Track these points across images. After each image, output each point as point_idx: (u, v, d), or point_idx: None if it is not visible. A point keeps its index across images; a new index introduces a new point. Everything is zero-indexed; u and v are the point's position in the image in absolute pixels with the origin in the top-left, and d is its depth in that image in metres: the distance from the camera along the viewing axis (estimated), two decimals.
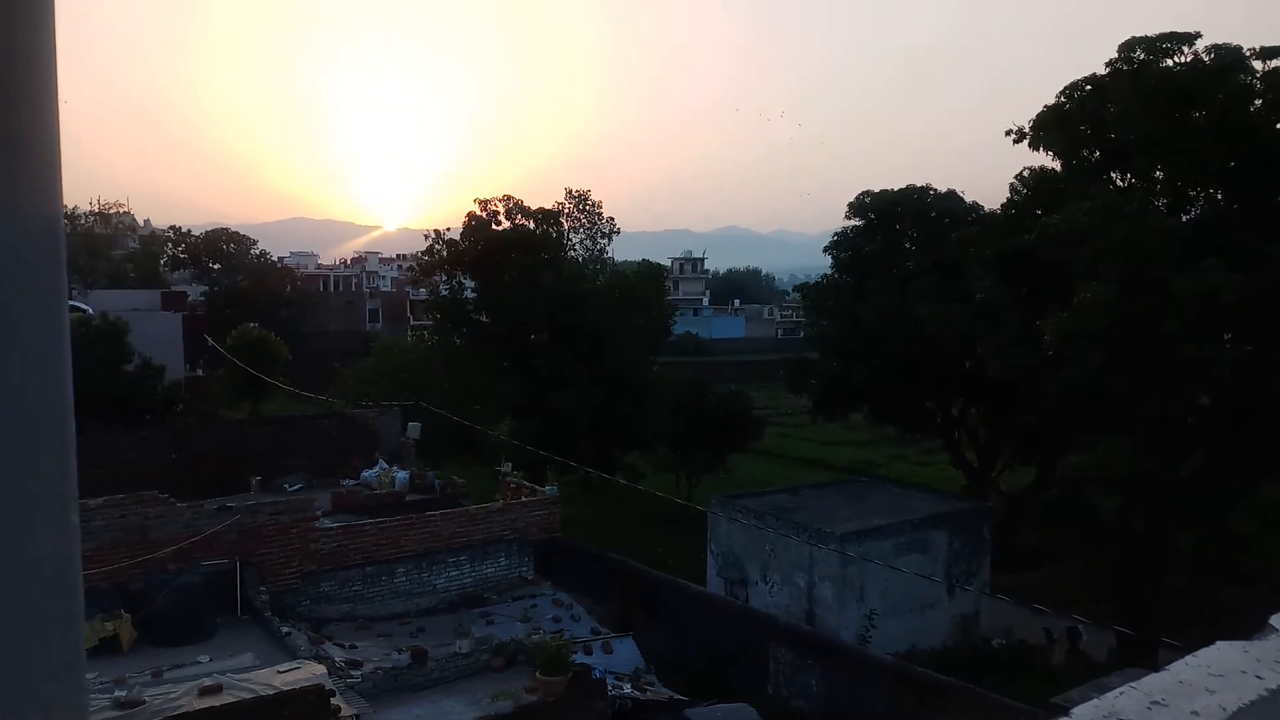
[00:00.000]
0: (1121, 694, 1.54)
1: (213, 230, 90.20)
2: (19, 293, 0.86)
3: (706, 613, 21.64)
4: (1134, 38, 23.67)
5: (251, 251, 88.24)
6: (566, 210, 41.11)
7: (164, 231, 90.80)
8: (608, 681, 15.09)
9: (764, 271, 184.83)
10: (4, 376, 0.85)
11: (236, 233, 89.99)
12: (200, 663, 14.34)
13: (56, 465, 0.91)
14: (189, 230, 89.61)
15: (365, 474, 23.04)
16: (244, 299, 73.02)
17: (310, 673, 13.06)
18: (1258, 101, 22.28)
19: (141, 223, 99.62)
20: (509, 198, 38.56)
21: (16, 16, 0.85)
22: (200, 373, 51.64)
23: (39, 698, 0.88)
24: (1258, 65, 22.33)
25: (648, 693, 16.48)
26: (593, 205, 41.85)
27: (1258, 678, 1.59)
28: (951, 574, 23.95)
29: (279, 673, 13.07)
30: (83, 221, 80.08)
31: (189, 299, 66.18)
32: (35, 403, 0.88)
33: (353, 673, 14.36)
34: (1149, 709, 1.49)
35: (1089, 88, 24.19)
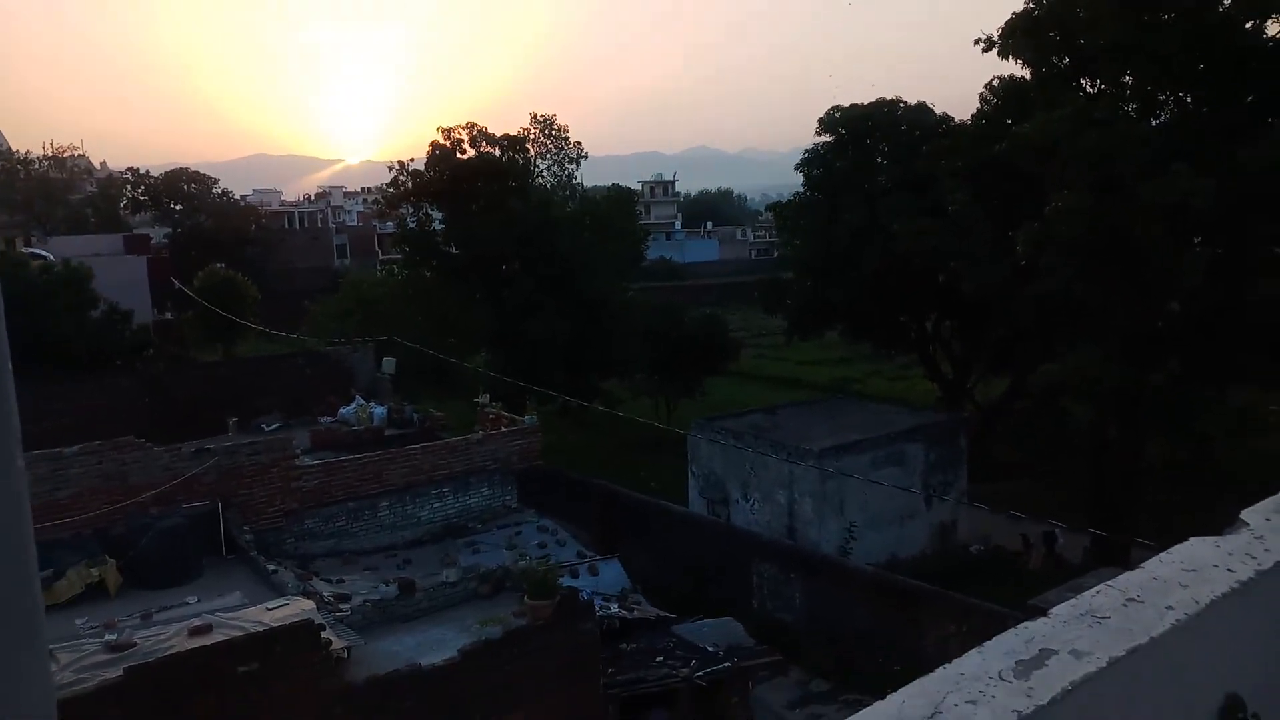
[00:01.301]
0: (1098, 593, 1.58)
1: (172, 170, 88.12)
2: None
3: (690, 532, 21.95)
4: None
5: (213, 190, 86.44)
6: (532, 136, 40.45)
7: (122, 174, 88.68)
8: (595, 603, 15.31)
9: (735, 192, 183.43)
10: None
11: (197, 172, 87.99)
12: (188, 603, 14.39)
13: None
14: (147, 171, 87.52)
15: (343, 411, 22.94)
16: (209, 239, 71.82)
17: (299, 608, 13.13)
18: (1227, 1, 22.06)
19: (98, 165, 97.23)
20: (473, 125, 37.87)
21: None
22: (169, 316, 51.01)
23: None
24: None
25: (635, 612, 16.77)
26: (559, 130, 41.20)
27: (1229, 570, 1.64)
28: (928, 485, 24.35)
29: (268, 610, 13.14)
30: (36, 166, 78.05)
31: (152, 241, 65.05)
32: None
33: (342, 606, 14.47)
34: (1125, 605, 1.53)
35: None
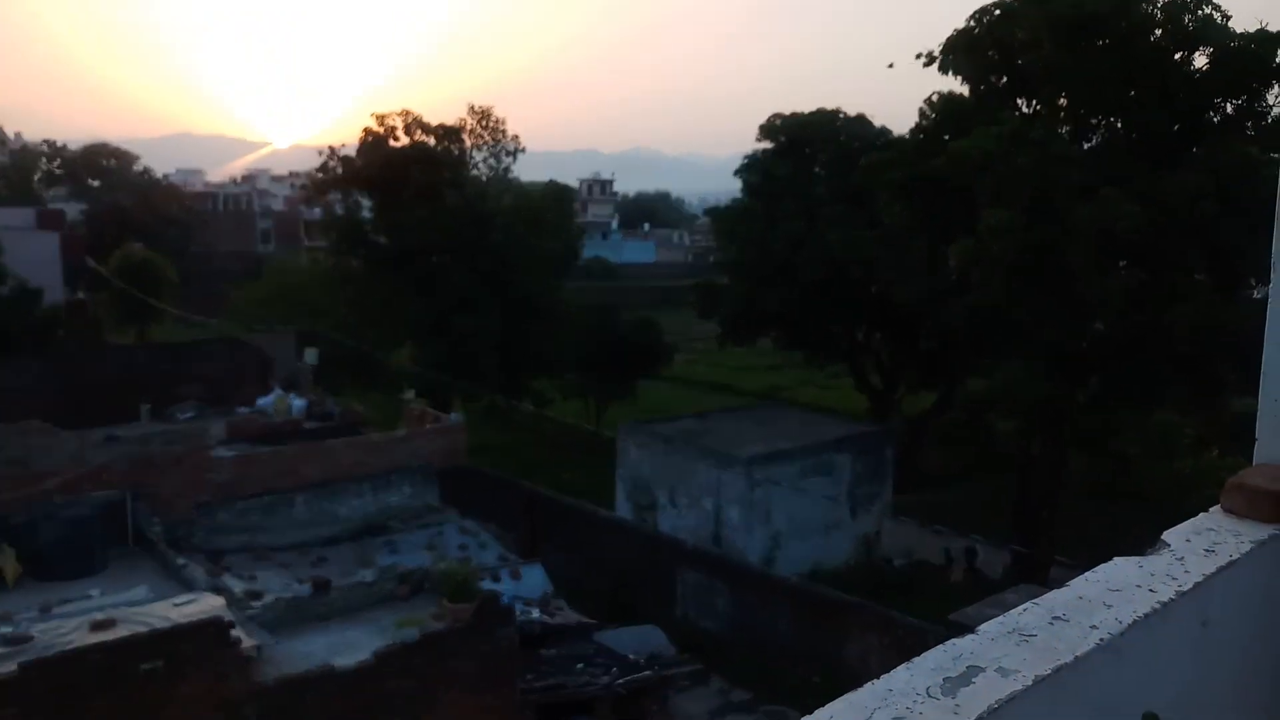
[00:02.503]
0: (1025, 611, 1.61)
1: (91, 145, 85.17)
2: None
3: (615, 537, 21.75)
4: None
5: (134, 168, 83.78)
6: (469, 127, 39.82)
7: (37, 146, 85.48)
8: (516, 607, 15.01)
9: (674, 195, 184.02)
10: None
11: (118, 148, 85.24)
12: (91, 597, 13.83)
13: None
14: (65, 145, 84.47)
15: (261, 401, 22.29)
16: (126, 218, 69.37)
17: (208, 605, 12.67)
18: (1157, 31, 22.63)
19: (12, 136, 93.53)
20: (408, 113, 37.14)
21: None
22: (82, 296, 49.14)
23: None
24: None
25: (557, 617, 16.50)
26: (496, 122, 40.63)
27: (1151, 591, 1.70)
28: (854, 495, 24.51)
29: (175, 605, 12.65)
30: None
31: (67, 218, 62.64)
32: None
33: (253, 604, 13.99)
34: (1051, 623, 1.57)
35: (998, 13, 24.19)
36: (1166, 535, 1.95)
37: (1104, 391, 23.36)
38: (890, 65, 26.60)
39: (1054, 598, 1.65)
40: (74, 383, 22.98)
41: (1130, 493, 25.57)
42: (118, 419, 20.28)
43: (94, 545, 15.31)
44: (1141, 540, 1.95)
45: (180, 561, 15.13)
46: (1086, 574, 1.76)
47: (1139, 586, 1.70)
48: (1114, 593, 1.67)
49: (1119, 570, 1.77)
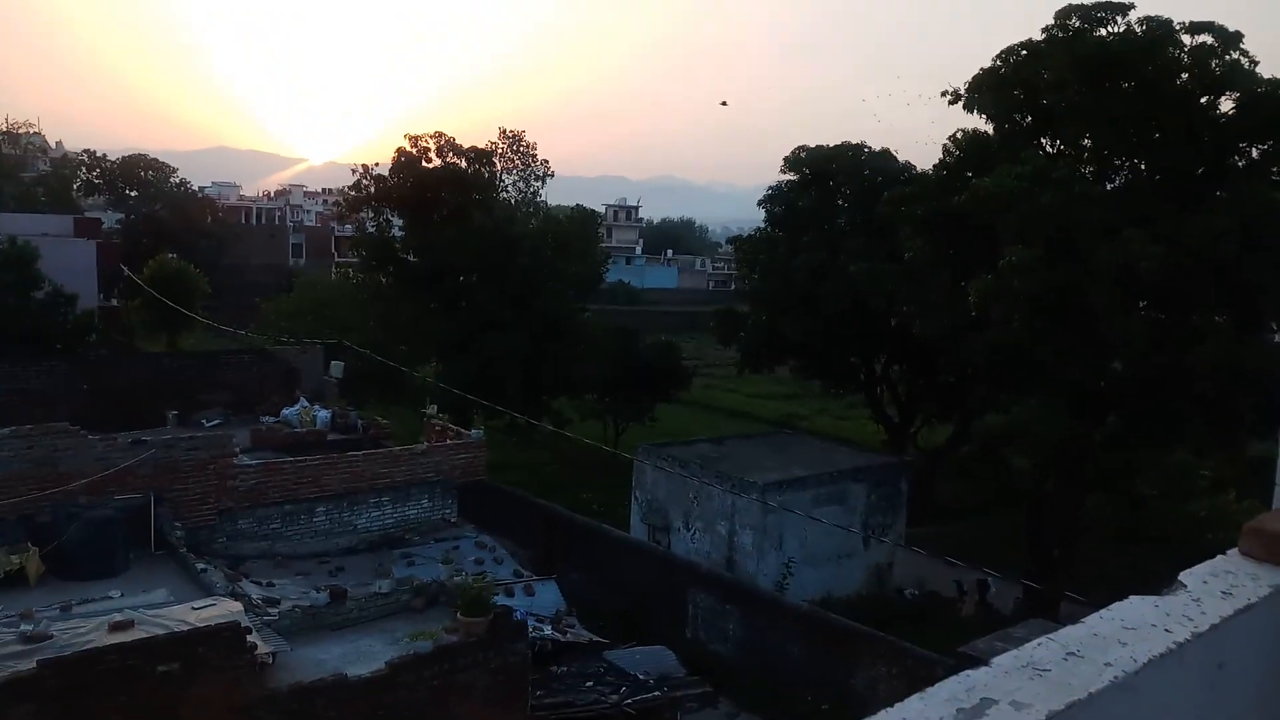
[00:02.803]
0: (1039, 645, 1.59)
1: (130, 156, 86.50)
2: None
3: (629, 558, 21.89)
4: (1070, 5, 23.93)
5: (171, 180, 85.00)
6: (500, 150, 40.46)
7: (77, 155, 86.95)
8: (528, 623, 15.17)
9: (698, 222, 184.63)
10: None
11: (155, 159, 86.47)
12: (111, 598, 14.04)
13: None
14: (104, 155, 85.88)
15: (286, 412, 22.59)
16: (162, 228, 70.55)
17: (226, 609, 12.87)
18: (1184, 75, 22.77)
19: (53, 145, 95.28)
20: (440, 134, 37.76)
21: None
22: (115, 303, 49.90)
23: None
24: (1186, 39, 22.78)
25: (568, 635, 16.64)
26: (527, 147, 41.25)
27: (1166, 631, 1.66)
28: (868, 525, 24.55)
29: (193, 609, 12.86)
30: None
31: (104, 226, 63.65)
32: None
33: (270, 610, 14.18)
34: (1065, 659, 1.54)
35: (1024, 53, 24.43)
36: (1183, 576, 1.92)
37: (1123, 431, 23.33)
38: (909, 105, 26.85)
39: (1068, 634, 1.64)
40: (103, 387, 23.38)
41: (1145, 533, 25.46)
42: (145, 424, 20.58)
43: (116, 547, 15.54)
44: (1157, 580, 1.95)
45: (200, 566, 15.34)
46: (1101, 611, 1.75)
47: (1154, 626, 1.68)
48: (1129, 631, 1.66)
49: (1134, 609, 1.75)
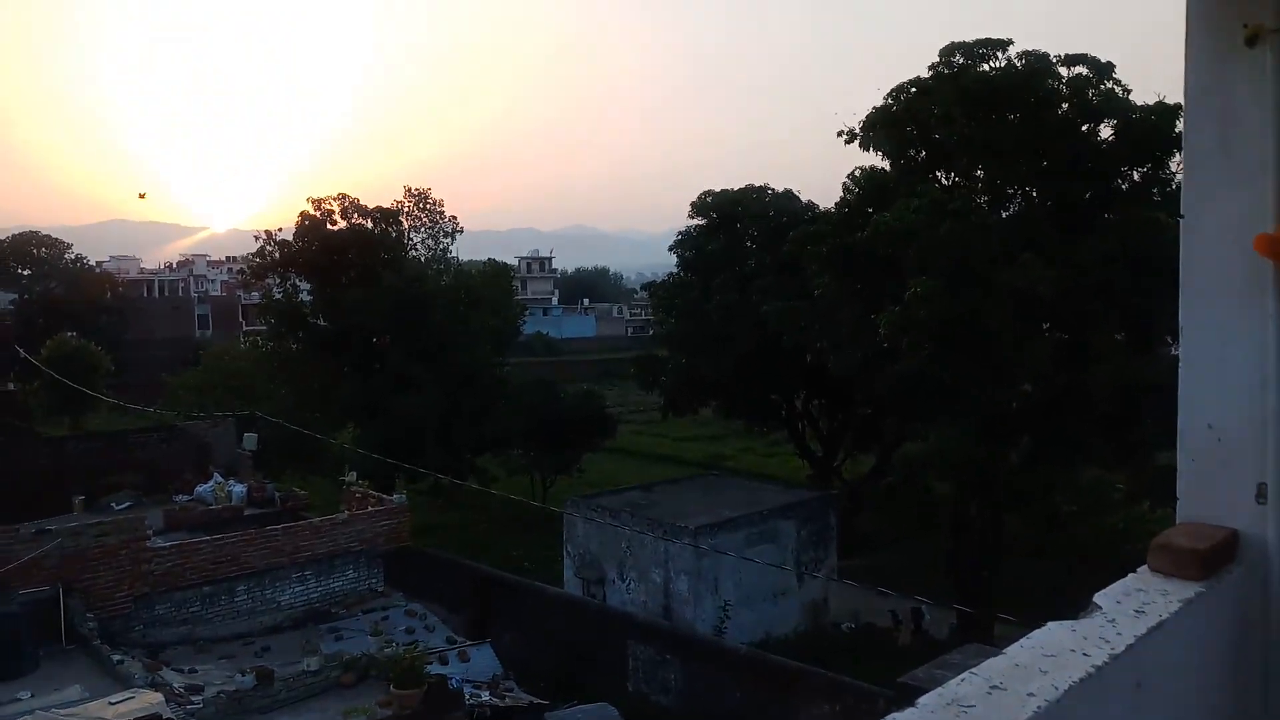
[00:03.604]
0: (963, 681, 1.60)
1: (21, 233, 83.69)
2: None
3: (564, 614, 21.62)
4: (953, 43, 24.97)
5: (66, 256, 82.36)
6: (406, 209, 40.18)
7: None
8: (465, 690, 14.85)
9: (612, 270, 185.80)
10: None
11: (48, 236, 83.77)
12: (20, 699, 13.37)
13: None
14: None
15: (199, 489, 21.90)
16: (59, 307, 68.21)
17: (146, 702, 12.38)
18: (1064, 105, 23.88)
19: None
20: (344, 196, 37.43)
21: None
22: (12, 386, 47.89)
23: None
24: (1063, 71, 23.94)
25: (507, 699, 16.31)
26: (433, 204, 41.05)
27: (1084, 655, 1.69)
28: (800, 561, 24.71)
29: (111, 704, 12.33)
30: None
31: None
32: None
33: (193, 699, 13.65)
34: (989, 693, 1.56)
35: (914, 90, 25.35)
36: (1097, 598, 1.96)
37: (1035, 451, 24.04)
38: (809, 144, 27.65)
39: (991, 666, 1.65)
40: (2, 475, 22.42)
41: (1066, 549, 26.15)
42: (50, 511, 19.76)
43: (24, 645, 14.81)
44: (1077, 599, 1.97)
45: (116, 658, 14.70)
46: (1022, 640, 1.76)
47: (1073, 651, 1.70)
48: (1049, 658, 1.67)
49: (1053, 635, 1.77)
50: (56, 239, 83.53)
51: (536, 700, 16.58)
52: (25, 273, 79.36)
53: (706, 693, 18.57)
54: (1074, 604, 1.94)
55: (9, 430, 36.84)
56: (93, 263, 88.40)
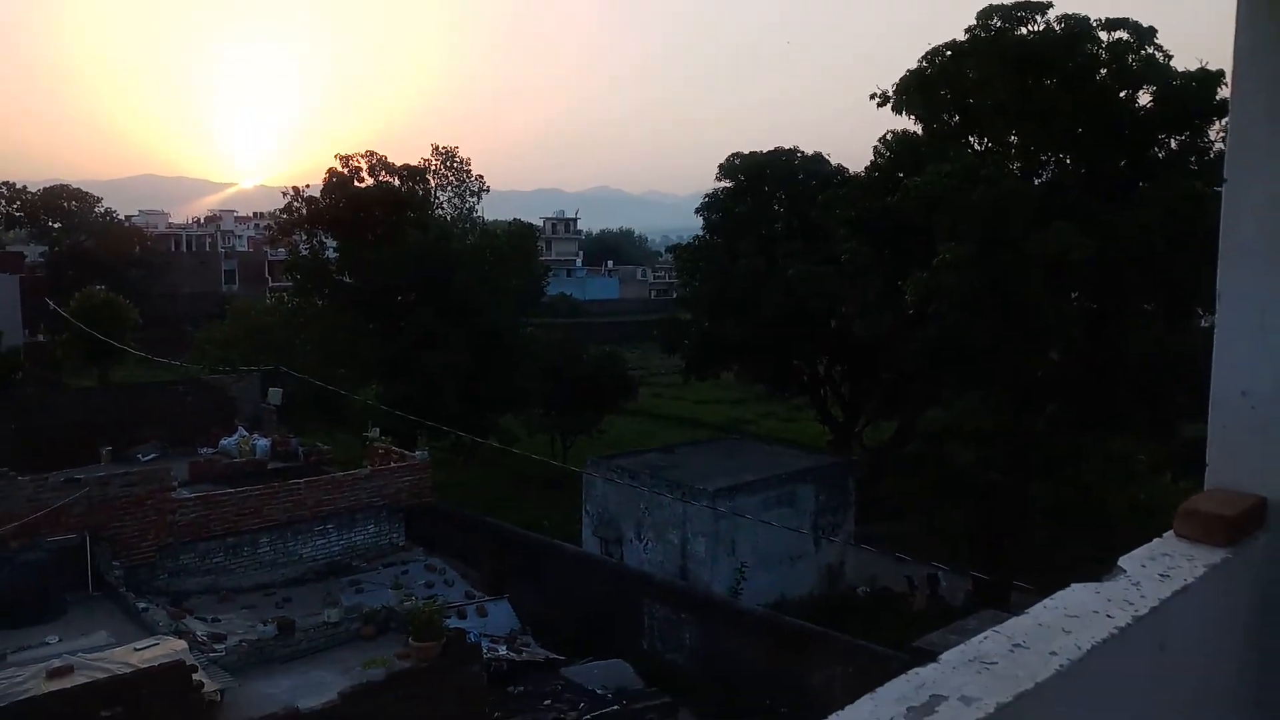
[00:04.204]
0: (985, 638, 1.60)
1: (52, 186, 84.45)
2: None
3: (581, 572, 21.76)
4: (991, 5, 24.44)
5: (96, 209, 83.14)
6: (433, 167, 40.17)
7: None
8: (483, 645, 15.02)
9: (637, 232, 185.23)
10: None
11: (79, 189, 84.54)
12: (48, 644, 13.63)
13: None
14: (24, 187, 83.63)
15: (224, 442, 22.15)
16: (88, 260, 68.83)
17: (170, 649, 12.56)
18: (1103, 71, 23.38)
19: None
20: (372, 153, 37.41)
21: None
22: (42, 338, 48.57)
23: None
24: (1103, 36, 23.41)
25: (523, 654, 16.51)
26: (461, 162, 41.02)
27: (1108, 616, 1.69)
28: (818, 526, 24.71)
29: (136, 650, 12.52)
30: None
31: (26, 260, 62.05)
32: None
33: (216, 646, 13.88)
34: (1011, 651, 1.56)
35: (949, 53, 24.88)
36: (1122, 561, 1.95)
37: (1062, 419, 23.82)
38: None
39: (1014, 625, 1.65)
40: (32, 425, 22.72)
41: (1089, 519, 25.99)
42: (77, 462, 20.06)
43: (52, 591, 15.09)
44: (1099, 566, 1.97)
45: (141, 605, 14.96)
46: (1045, 601, 1.76)
47: (1096, 612, 1.71)
48: (1072, 619, 1.68)
49: (1077, 597, 1.78)
50: (87, 193, 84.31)
51: (553, 656, 16.77)
52: (56, 225, 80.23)
53: (721, 652, 18.68)
54: (1093, 574, 1.91)
55: (39, 381, 37.44)
56: (122, 216, 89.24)
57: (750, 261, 32.21)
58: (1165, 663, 1.81)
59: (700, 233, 37.55)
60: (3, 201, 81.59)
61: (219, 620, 15.68)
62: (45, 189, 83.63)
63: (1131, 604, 1.75)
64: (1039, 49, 23.17)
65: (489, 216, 46.23)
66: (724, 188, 35.72)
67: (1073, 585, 1.83)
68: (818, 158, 35.31)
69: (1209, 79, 22.29)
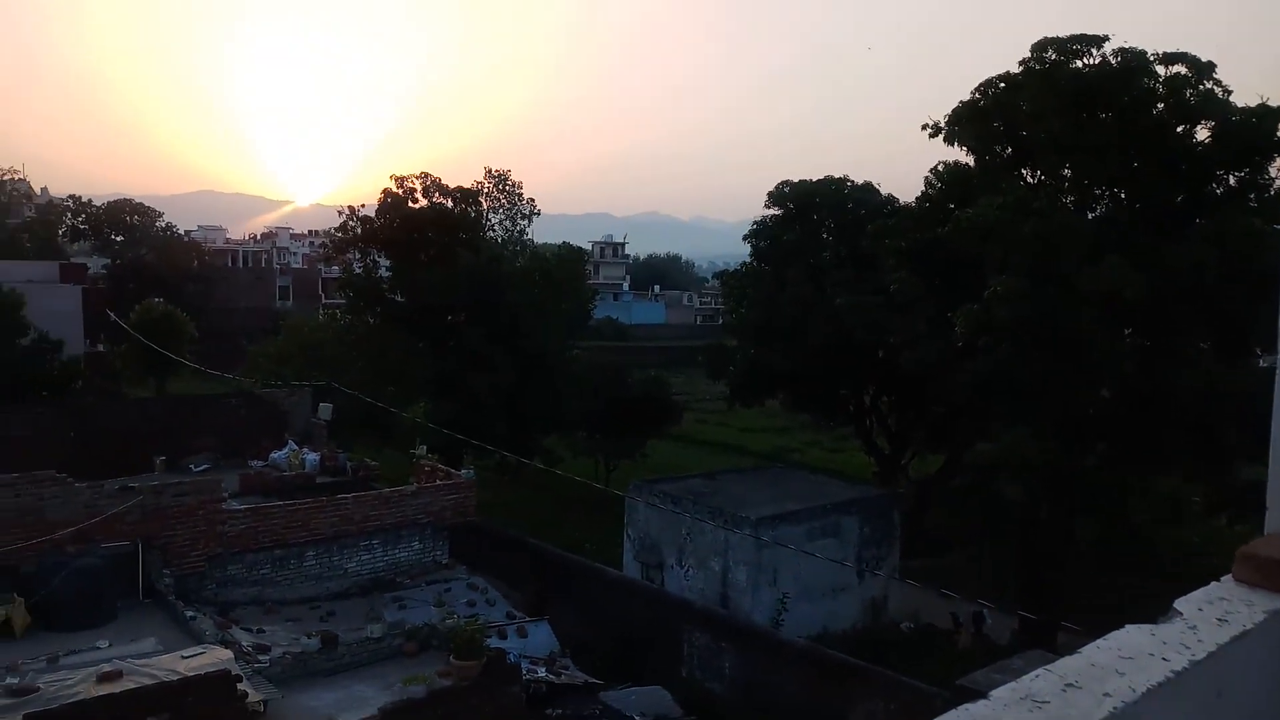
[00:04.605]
0: (1037, 677, 1.58)
1: (115, 201, 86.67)
2: None
3: (622, 596, 21.72)
4: (1046, 38, 24.31)
5: (157, 224, 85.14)
6: (486, 190, 40.75)
7: (63, 201, 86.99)
8: (522, 665, 15.05)
9: (684, 258, 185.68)
10: None
11: (141, 204, 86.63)
12: (99, 648, 13.86)
13: None
14: (89, 200, 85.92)
15: (274, 455, 22.47)
16: (148, 273, 70.53)
17: (216, 658, 12.73)
18: (1160, 105, 23.11)
19: (38, 191, 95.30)
20: (426, 175, 38.00)
21: None
22: (101, 349, 49.77)
23: None
24: (1160, 70, 23.15)
25: (562, 676, 16.49)
26: (513, 186, 41.52)
27: (1164, 660, 1.66)
28: (862, 558, 24.46)
29: (183, 658, 12.71)
30: None
31: (89, 272, 63.63)
32: None
33: (260, 657, 14.04)
34: (1064, 690, 1.54)
35: (1002, 85, 24.77)
36: (1179, 604, 1.91)
37: (1112, 457, 23.40)
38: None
39: (1066, 664, 1.62)
40: (90, 433, 23.24)
41: (1137, 560, 25.44)
42: (132, 470, 20.46)
43: (104, 596, 15.36)
44: (1150, 607, 1.94)
45: (189, 614, 15.19)
46: (1099, 641, 1.73)
47: (1152, 655, 1.67)
48: (1126, 660, 1.64)
49: (1131, 638, 1.74)
50: (149, 207, 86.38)
51: (591, 680, 16.73)
52: (118, 239, 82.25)
53: (760, 683, 18.52)
54: (1146, 615, 1.89)
55: (98, 390, 38.31)
56: (181, 231, 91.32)
57: (798, 290, 32.16)
58: (1221, 710, 1.77)
59: (748, 260, 37.58)
60: (69, 215, 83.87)
61: (264, 631, 15.86)
62: (109, 203, 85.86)
63: (1188, 648, 1.72)
64: (1094, 82, 22.98)
65: (539, 239, 46.71)
66: (773, 215, 35.74)
67: (1127, 626, 1.80)
68: (868, 187, 35.23)
69: (1269, 114, 21.95)
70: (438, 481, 20.23)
